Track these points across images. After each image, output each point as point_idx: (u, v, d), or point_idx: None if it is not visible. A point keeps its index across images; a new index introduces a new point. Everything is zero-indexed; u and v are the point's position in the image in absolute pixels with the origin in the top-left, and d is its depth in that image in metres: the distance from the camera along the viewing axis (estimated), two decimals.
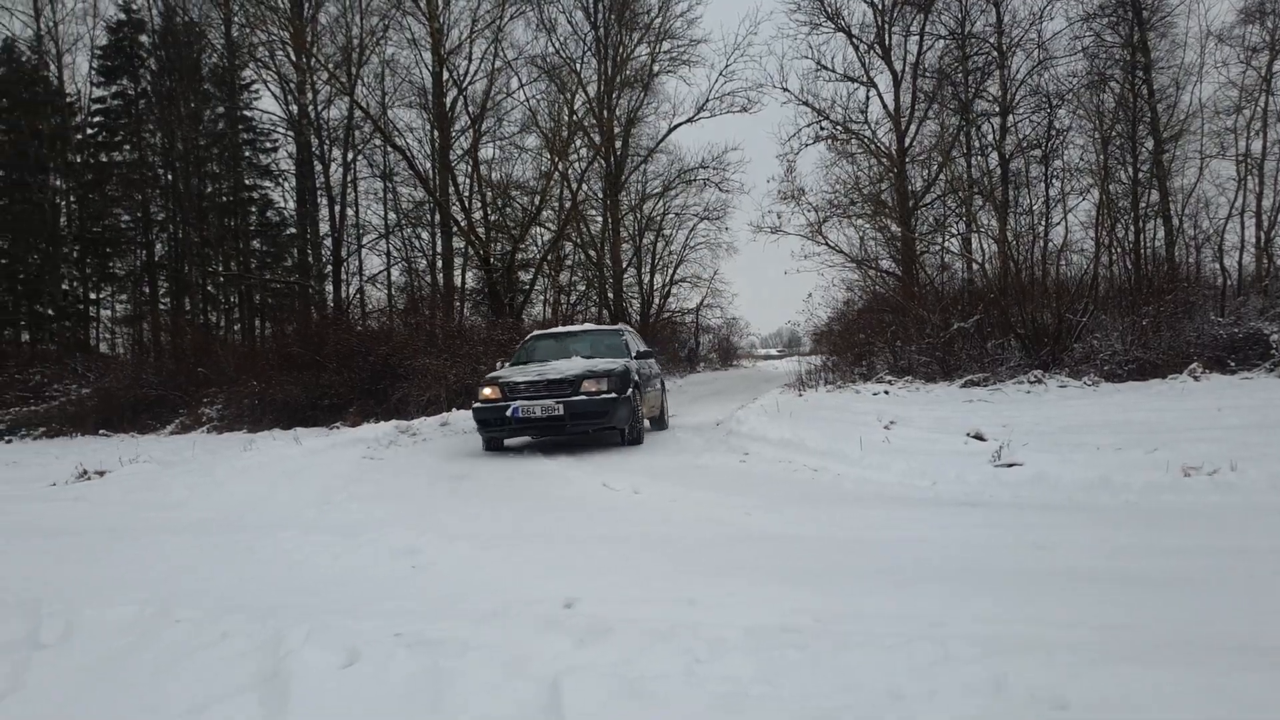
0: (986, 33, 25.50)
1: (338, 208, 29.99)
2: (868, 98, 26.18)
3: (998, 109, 25.02)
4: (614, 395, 10.63)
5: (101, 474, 10.18)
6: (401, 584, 4.93)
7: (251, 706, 3.11)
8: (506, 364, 12.36)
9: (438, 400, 17.52)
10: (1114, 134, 23.17)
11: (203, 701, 3.19)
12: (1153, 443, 8.15)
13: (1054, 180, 24.26)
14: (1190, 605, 3.79)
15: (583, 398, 10.48)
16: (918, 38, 25.71)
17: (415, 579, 5.05)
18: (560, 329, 13.95)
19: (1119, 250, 23.26)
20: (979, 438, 9.75)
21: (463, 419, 13.98)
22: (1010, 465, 7.74)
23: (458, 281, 29.14)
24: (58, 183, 31.73)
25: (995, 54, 25.15)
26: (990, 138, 25.52)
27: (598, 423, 10.65)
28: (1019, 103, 24.79)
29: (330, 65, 25.53)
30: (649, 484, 8.11)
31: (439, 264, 29.20)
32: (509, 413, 10.37)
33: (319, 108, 28.40)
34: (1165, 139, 23.52)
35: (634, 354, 12.40)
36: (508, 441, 11.50)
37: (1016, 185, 24.85)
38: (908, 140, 25.64)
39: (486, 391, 10.78)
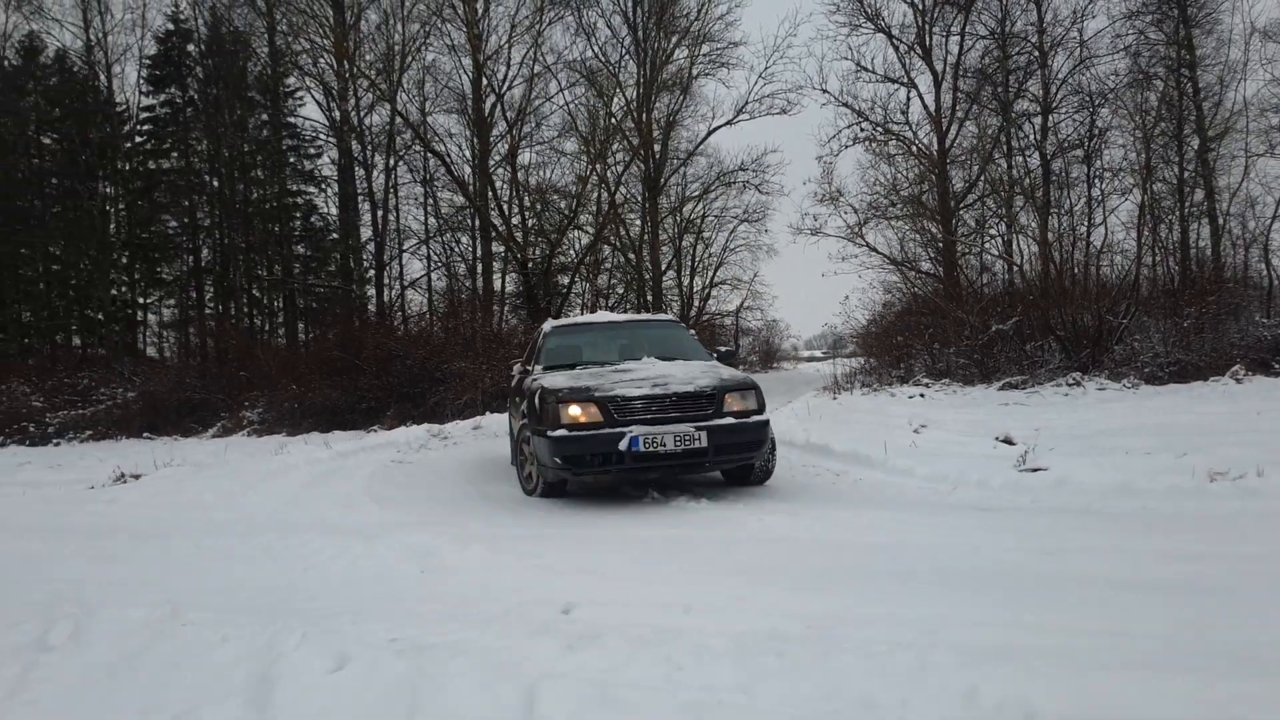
0: (1028, 32, 25.21)
1: (380, 213, 30.33)
2: (908, 99, 25.98)
3: (1038, 109, 24.72)
4: (765, 418, 7.71)
5: (136, 477, 10.36)
6: (411, 587, 4.98)
7: (238, 709, 3.16)
8: (535, 366, 8.88)
9: (474, 404, 17.65)
10: (1157, 133, 22.79)
11: (194, 704, 3.24)
12: (1186, 446, 8.02)
13: (1096, 180, 23.94)
14: (1189, 612, 3.75)
15: (729, 421, 7.37)
16: (958, 38, 25.46)
17: (425, 582, 5.10)
18: (598, 318, 10.32)
19: (1162, 251, 22.89)
20: (1008, 441, 9.65)
21: (496, 423, 14.05)
22: (1035, 470, 7.65)
23: (497, 285, 29.37)
24: (107, 190, 32.40)
25: (1036, 53, 24.85)
26: (1032, 138, 25.22)
27: (744, 456, 7.68)
28: (1060, 102, 24.48)
29: (371, 72, 25.83)
30: (669, 488, 8.11)
31: (479, 268, 29.41)
32: (624, 445, 7.06)
33: (361, 114, 28.73)
34: (1210, 137, 23.08)
35: (714, 355, 9.40)
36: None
37: (1059, 186, 24.54)
38: (948, 141, 25.41)
39: (574, 411, 7.27)
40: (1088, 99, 23.79)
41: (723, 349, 9.75)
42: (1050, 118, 24.50)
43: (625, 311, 30.86)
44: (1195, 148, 23.18)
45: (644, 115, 30.11)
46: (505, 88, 27.09)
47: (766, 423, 7.70)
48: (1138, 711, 2.71)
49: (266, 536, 6.63)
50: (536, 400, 7.66)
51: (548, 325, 9.66)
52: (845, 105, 25.99)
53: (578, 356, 9.10)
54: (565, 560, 5.40)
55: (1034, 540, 5.23)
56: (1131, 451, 8.25)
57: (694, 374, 7.83)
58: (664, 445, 7.14)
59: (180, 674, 3.58)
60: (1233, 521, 5.41)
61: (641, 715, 2.89)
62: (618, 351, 9.10)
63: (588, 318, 10.45)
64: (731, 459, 7.60)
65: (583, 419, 7.27)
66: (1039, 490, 6.84)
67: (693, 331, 10.40)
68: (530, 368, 9.03)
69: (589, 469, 7.36)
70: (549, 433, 7.33)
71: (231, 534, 6.89)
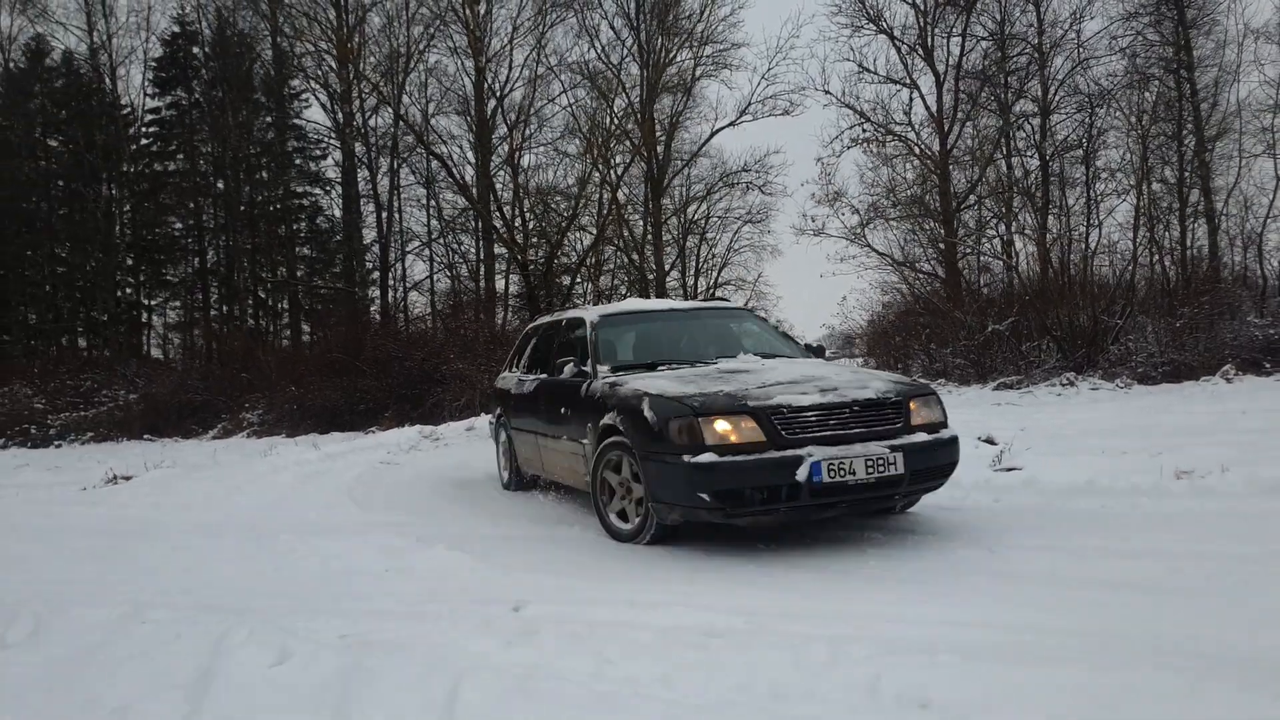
0: (1028, 33, 25.26)
1: (384, 214, 30.51)
2: (911, 99, 26.02)
3: (1037, 110, 24.78)
4: (955, 432, 5.94)
5: (128, 479, 10.50)
6: (374, 585, 5.09)
7: (175, 703, 3.26)
8: (593, 365, 6.85)
9: (472, 404, 17.76)
10: (1154, 133, 22.88)
11: (135, 698, 3.34)
12: (1163, 446, 8.08)
13: (1095, 181, 24.00)
14: (1111, 607, 3.87)
15: (923, 438, 5.59)
16: (959, 39, 25.52)
17: (387, 581, 5.20)
18: (657, 305, 8.34)
19: (1158, 250, 22.97)
20: (990, 441, 9.69)
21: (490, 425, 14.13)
22: (1010, 469, 7.70)
23: (500, 286, 29.53)
24: (112, 192, 32.66)
25: (1036, 55, 24.90)
26: (1032, 138, 25.27)
27: (937, 484, 5.89)
28: (1060, 103, 24.54)
29: (375, 76, 25.99)
30: None
31: (481, 270, 29.58)
32: (803, 473, 5.08)
33: (365, 116, 28.91)
34: (1208, 138, 23.14)
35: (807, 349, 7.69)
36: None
37: (1058, 186, 24.61)
38: (950, 141, 25.44)
39: (722, 427, 5.27)
40: (1087, 100, 23.85)
41: (812, 343, 7.96)
42: (1050, 119, 24.57)
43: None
44: (1192, 148, 23.25)
45: (646, 116, 30.20)
46: (507, 90, 27.31)
47: (957, 439, 5.95)
48: (1025, 700, 2.81)
49: (244, 537, 6.77)
50: (649, 411, 5.56)
51: (592, 314, 7.49)
52: (847, 106, 26.06)
53: (649, 354, 7.11)
54: (525, 559, 5.51)
55: (982, 538, 5.33)
56: (1108, 451, 8.30)
57: (847, 376, 6.01)
58: (853, 473, 5.18)
59: (128, 670, 3.68)
60: (1182, 520, 5.47)
61: (556, 706, 3.00)
62: (690, 347, 7.23)
63: (642, 304, 8.35)
64: (924, 488, 5.78)
65: (734, 438, 5.26)
66: (1004, 490, 6.88)
67: (776, 321, 8.17)
68: (588, 368, 6.84)
69: (750, 509, 5.22)
70: (686, 458, 5.22)
71: (211, 535, 7.01)
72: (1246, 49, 23.78)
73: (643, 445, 5.62)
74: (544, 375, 7.76)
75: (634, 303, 8.43)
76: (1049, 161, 24.32)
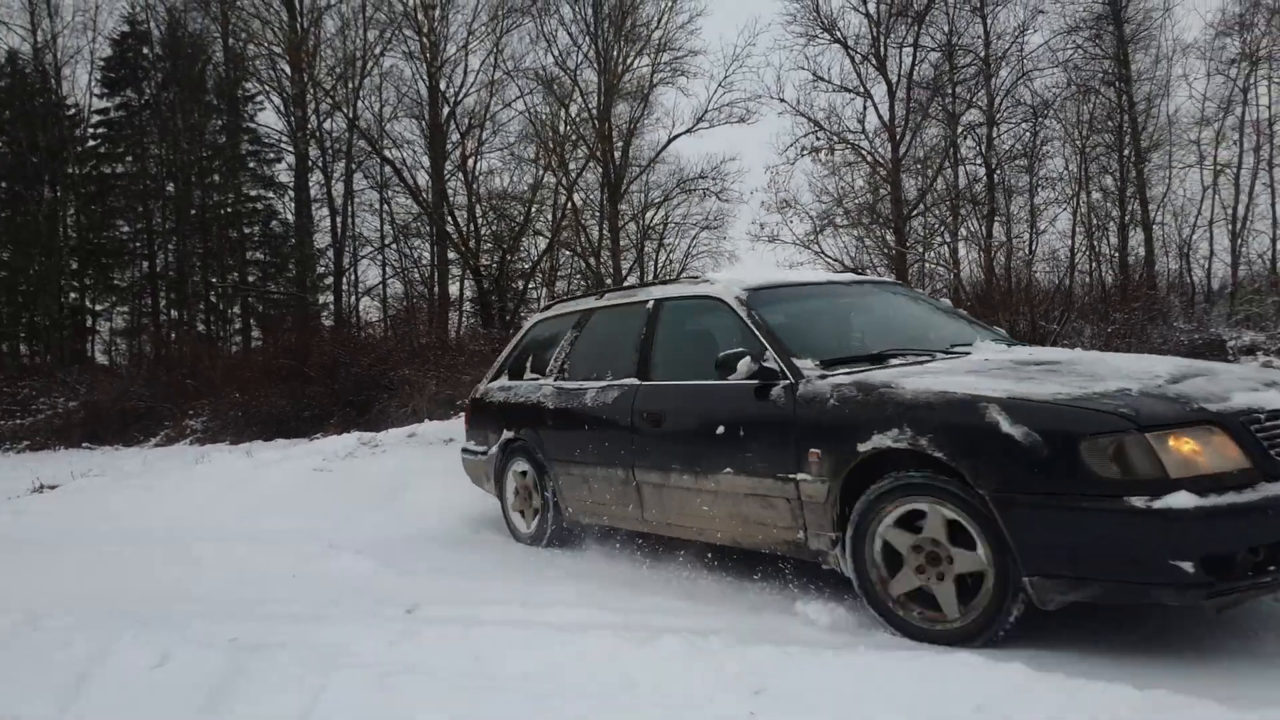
0: (975, 45, 25.69)
1: (339, 219, 30.35)
2: (864, 108, 26.31)
3: (984, 119, 25.22)
4: None
5: (53, 488, 10.41)
6: (279, 590, 5.18)
7: (48, 706, 3.30)
8: (789, 359, 4.43)
9: (419, 411, 17.70)
10: (1093, 144, 23.44)
11: (11, 701, 3.38)
12: None
13: (1039, 190, 24.51)
14: None
15: None
16: (911, 49, 25.87)
17: (294, 585, 5.29)
18: (813, 278, 5.81)
19: (1096, 257, 23.54)
20: None
21: (433, 431, 13.97)
22: None
23: (454, 291, 29.50)
24: (57, 194, 32.18)
25: (983, 66, 25.33)
26: (979, 148, 25.70)
27: None
28: (1005, 114, 25.00)
29: (328, 82, 25.85)
30: None
31: (434, 275, 29.52)
32: None
33: (320, 119, 28.76)
34: (1145, 149, 23.75)
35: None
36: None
37: (1005, 194, 25.08)
38: (902, 149, 25.77)
39: (1187, 448, 3.21)
40: (1031, 111, 24.34)
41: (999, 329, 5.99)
42: (997, 128, 25.03)
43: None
44: (1131, 159, 23.84)
45: (605, 124, 30.27)
46: (462, 95, 27.30)
47: None
48: (858, 684, 2.96)
49: (160, 544, 6.78)
50: (1014, 427, 3.38)
51: (732, 287, 4.99)
52: (802, 114, 26.27)
53: (844, 342, 5.05)
54: (429, 564, 5.60)
55: None
56: None
57: (1214, 364, 4.55)
58: None
59: (14, 674, 3.71)
60: None
61: (416, 699, 3.09)
62: (889, 332, 5.14)
63: (798, 277, 5.87)
64: None
65: (1204, 464, 3.26)
66: None
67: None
68: (771, 364, 4.44)
69: (1241, 584, 3.16)
70: (1136, 500, 3.15)
71: (127, 542, 7.01)
72: (1177, 64, 24.56)
73: (1002, 481, 3.41)
74: (635, 379, 5.33)
75: (809, 274, 6.37)
76: (994, 171, 24.77)
